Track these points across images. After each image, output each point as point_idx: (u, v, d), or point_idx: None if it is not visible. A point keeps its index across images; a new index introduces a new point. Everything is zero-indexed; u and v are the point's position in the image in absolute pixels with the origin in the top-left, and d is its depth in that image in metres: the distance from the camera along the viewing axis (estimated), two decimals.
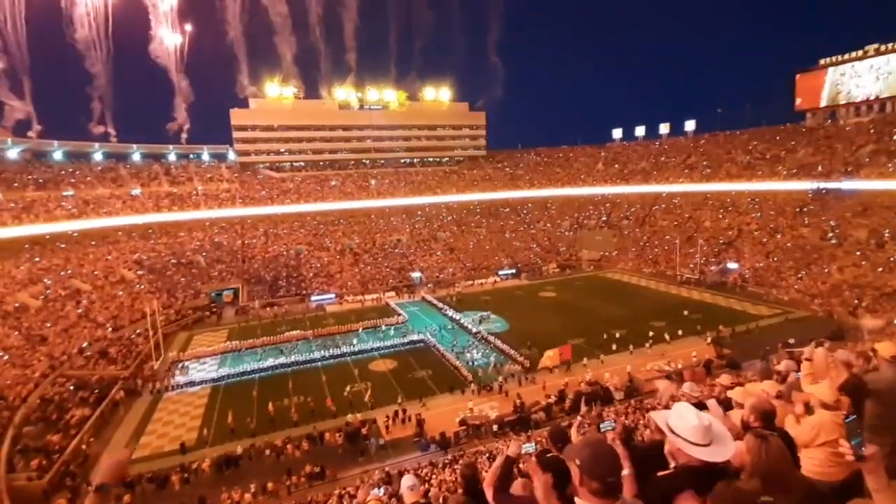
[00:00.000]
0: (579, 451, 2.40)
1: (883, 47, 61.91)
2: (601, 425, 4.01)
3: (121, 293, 48.71)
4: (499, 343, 37.37)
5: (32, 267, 47.40)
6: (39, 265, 48.22)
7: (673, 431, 2.38)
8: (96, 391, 30.93)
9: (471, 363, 34.28)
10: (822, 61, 68.26)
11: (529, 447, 3.98)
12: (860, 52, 64.09)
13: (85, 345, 37.41)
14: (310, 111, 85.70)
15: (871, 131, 60.74)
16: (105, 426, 28.44)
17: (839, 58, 66.25)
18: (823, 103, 69.11)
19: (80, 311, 42.80)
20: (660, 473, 2.54)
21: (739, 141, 76.21)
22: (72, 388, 30.79)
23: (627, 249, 69.31)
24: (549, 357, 32.32)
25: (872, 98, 63.55)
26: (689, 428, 2.33)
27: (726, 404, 4.69)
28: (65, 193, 60.25)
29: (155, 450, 25.75)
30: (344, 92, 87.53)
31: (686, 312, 42.58)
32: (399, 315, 47.75)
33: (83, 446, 25.57)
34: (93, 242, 56.33)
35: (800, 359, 7.27)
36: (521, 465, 5.19)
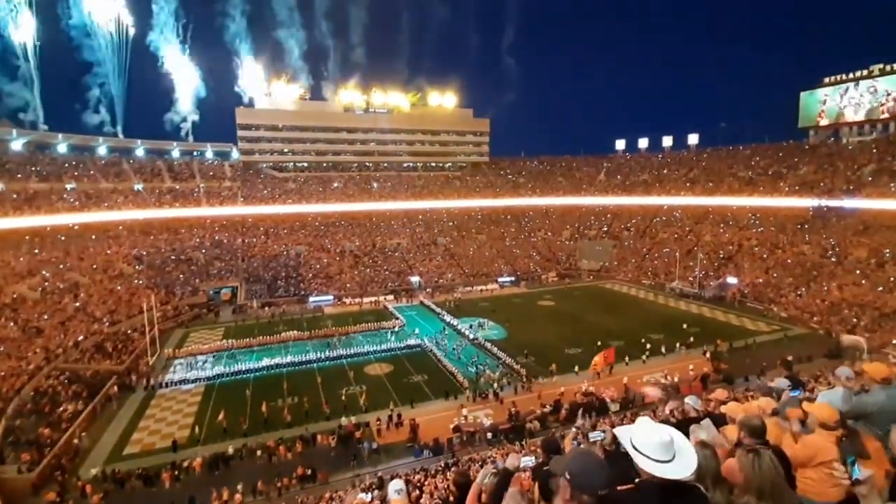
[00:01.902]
0: (569, 465, 2.35)
1: (888, 67, 62.17)
2: (590, 435, 3.96)
3: (119, 288, 48.64)
4: (495, 350, 37.22)
5: (32, 259, 47.37)
6: (39, 257, 48.21)
7: (635, 447, 2.32)
8: (90, 385, 30.83)
9: (496, 384, 31.90)
10: (826, 80, 68.59)
11: (528, 461, 3.92)
12: (865, 72, 64.40)
13: (81, 338, 37.30)
14: (314, 113, 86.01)
15: (874, 151, 60.86)
16: (97, 421, 28.32)
17: (843, 77, 66.58)
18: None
19: (77, 304, 42.70)
20: (619, 488, 2.50)
21: (741, 156, 76.41)
22: (66, 381, 30.70)
23: (627, 261, 69.27)
24: (597, 362, 32.71)
25: (861, 119, 64.54)
26: (650, 444, 2.28)
27: (720, 419, 4.64)
28: (67, 186, 60.35)
29: (146, 447, 25.62)
30: (349, 94, 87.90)
31: (685, 326, 42.43)
32: (396, 319, 47.69)
33: (74, 441, 25.46)
34: (93, 236, 56.36)
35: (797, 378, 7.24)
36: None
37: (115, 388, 31.94)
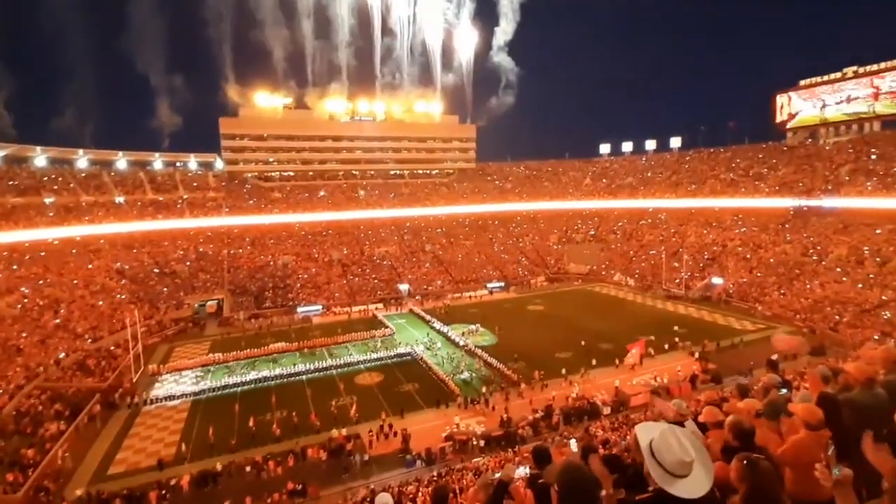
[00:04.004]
0: (558, 477, 2.32)
1: (861, 69, 63.97)
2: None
3: (101, 303, 47.65)
4: (486, 356, 37.15)
5: (10, 275, 46.20)
6: (17, 273, 47.02)
7: (653, 456, 2.27)
8: (72, 404, 30.06)
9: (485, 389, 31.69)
10: (801, 82, 70.38)
11: (523, 471, 3.88)
12: (839, 74, 66.19)
13: (62, 356, 36.42)
14: (300, 121, 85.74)
15: (850, 151, 62.44)
16: (81, 440, 27.56)
17: (818, 79, 68.40)
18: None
19: (57, 321, 41.72)
20: (638, 497, 2.47)
21: (723, 158, 77.82)
22: (48, 400, 29.91)
23: (615, 263, 69.87)
24: (633, 355, 34.30)
25: (837, 120, 66.40)
26: (669, 458, 2.22)
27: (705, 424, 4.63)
28: (46, 200, 59.15)
29: (131, 466, 25.00)
30: (334, 103, 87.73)
31: (676, 327, 42.74)
32: (386, 327, 47.40)
33: (58, 461, 24.78)
34: (73, 251, 55.17)
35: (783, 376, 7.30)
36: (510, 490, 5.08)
37: (98, 406, 31.15)
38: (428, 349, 40.15)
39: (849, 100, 64.67)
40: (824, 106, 67.47)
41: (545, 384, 32.13)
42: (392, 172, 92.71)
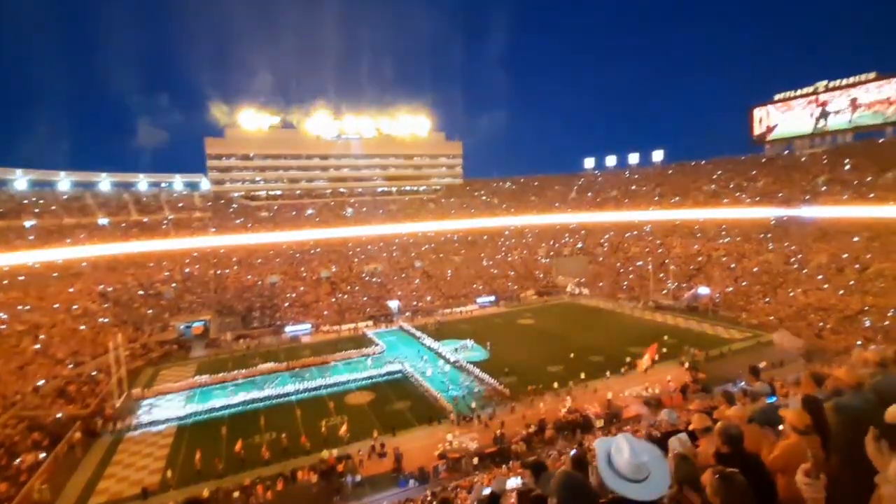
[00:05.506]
0: (556, 491, 2.33)
1: (831, 83, 66.26)
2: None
3: (83, 327, 46.50)
4: (477, 372, 36.90)
5: None
6: None
7: (610, 464, 2.34)
8: (52, 433, 29.08)
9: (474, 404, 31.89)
10: (776, 96, 72.67)
11: (514, 482, 3.86)
12: (811, 89, 68.46)
13: (41, 383, 35.31)
14: (286, 140, 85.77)
15: (825, 162, 64.26)
16: (59, 471, 26.59)
17: (792, 93, 70.71)
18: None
19: (37, 346, 40.55)
20: None
21: (704, 170, 79.52)
22: (25, 430, 28.88)
23: (603, 275, 70.38)
24: (645, 360, 35.12)
25: (810, 132, 68.36)
26: (622, 462, 2.29)
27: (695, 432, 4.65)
28: (26, 224, 58.02)
29: (114, 496, 24.14)
30: (321, 121, 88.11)
31: (665, 337, 42.92)
32: (376, 345, 46.92)
33: (35, 494, 23.80)
34: (54, 274, 54.00)
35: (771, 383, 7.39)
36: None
37: (79, 433, 30.16)
38: (441, 373, 38.73)
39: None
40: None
41: (570, 392, 32.28)
42: (380, 189, 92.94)
